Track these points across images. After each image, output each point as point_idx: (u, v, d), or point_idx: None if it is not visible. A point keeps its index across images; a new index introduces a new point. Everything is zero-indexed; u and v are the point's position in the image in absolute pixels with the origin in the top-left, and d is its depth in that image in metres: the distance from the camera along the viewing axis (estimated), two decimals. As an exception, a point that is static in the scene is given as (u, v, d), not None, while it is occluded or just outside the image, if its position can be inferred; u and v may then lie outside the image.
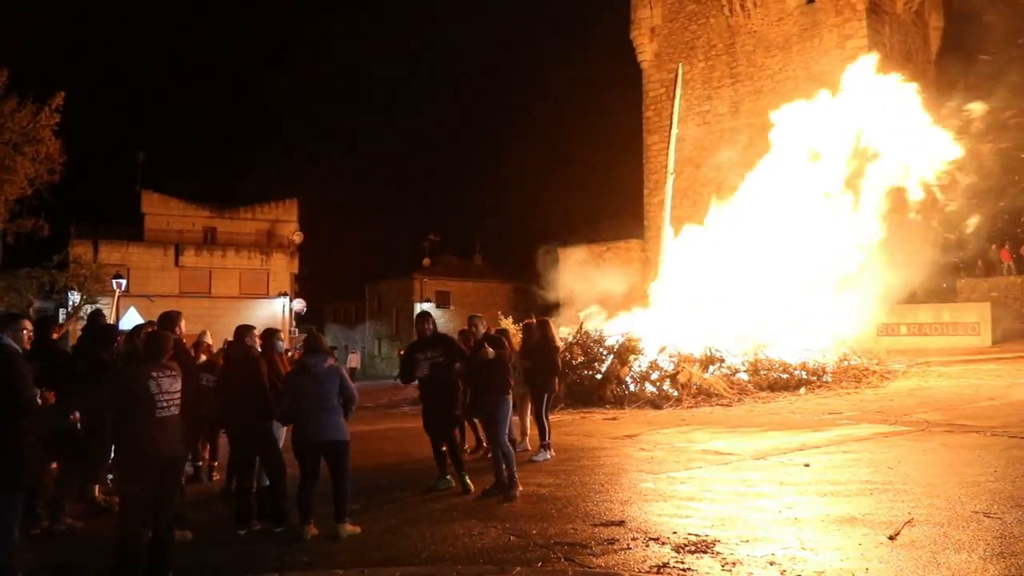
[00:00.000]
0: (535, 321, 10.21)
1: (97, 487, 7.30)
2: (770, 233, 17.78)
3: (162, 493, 5.01)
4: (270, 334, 7.20)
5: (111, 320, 18.34)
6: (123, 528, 4.94)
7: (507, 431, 7.41)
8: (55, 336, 7.10)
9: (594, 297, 18.86)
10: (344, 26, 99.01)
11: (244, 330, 6.93)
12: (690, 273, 19.00)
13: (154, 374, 5.06)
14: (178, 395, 5.12)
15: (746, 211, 18.61)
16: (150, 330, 6.34)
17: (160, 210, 40.82)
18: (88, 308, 27.58)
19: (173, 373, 5.15)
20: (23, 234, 24.23)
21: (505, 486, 7.02)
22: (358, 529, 6.02)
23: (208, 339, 8.85)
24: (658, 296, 19.18)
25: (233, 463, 7.15)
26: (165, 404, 5.02)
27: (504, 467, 7.08)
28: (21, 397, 4.65)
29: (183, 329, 7.16)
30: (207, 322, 21.22)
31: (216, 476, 8.87)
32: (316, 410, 6.10)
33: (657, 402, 13.91)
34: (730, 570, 4.73)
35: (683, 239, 20.23)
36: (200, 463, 8.92)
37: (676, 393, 14.18)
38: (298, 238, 41.80)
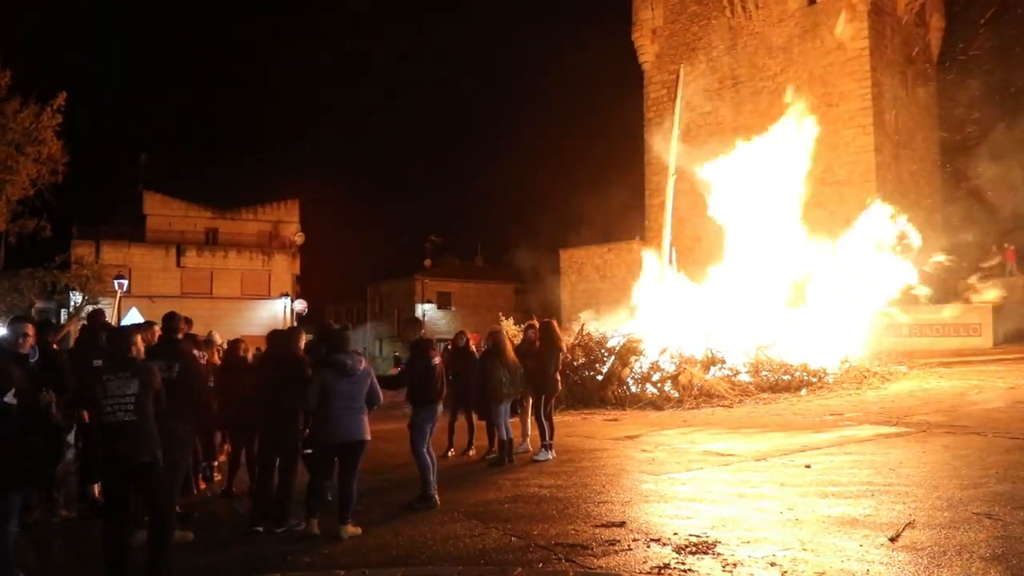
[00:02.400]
0: (537, 322, 10.22)
1: (97, 486, 7.30)
2: (771, 234, 17.80)
3: (143, 498, 5.01)
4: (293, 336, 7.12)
5: (112, 320, 18.34)
6: (103, 527, 4.99)
7: (428, 442, 7.18)
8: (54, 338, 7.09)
9: (595, 298, 18.84)
10: (345, 26, 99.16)
11: (297, 335, 6.89)
12: (691, 272, 19.01)
13: (104, 376, 4.95)
14: (129, 399, 4.85)
15: (748, 212, 18.62)
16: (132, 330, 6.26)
17: (162, 211, 40.87)
18: (89, 308, 27.64)
19: (127, 375, 4.93)
20: (25, 235, 24.29)
21: (428, 496, 6.90)
22: (359, 530, 6.02)
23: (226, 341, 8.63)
24: (659, 297, 19.16)
25: (261, 463, 6.93)
26: (110, 409, 4.83)
27: (424, 476, 6.95)
28: None
29: (185, 330, 7.14)
30: (208, 323, 21.24)
31: (217, 476, 8.87)
32: (345, 411, 6.07)
33: (658, 403, 13.91)
34: (731, 571, 4.73)
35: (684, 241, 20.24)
36: (215, 463, 8.92)
37: (677, 394, 14.18)
38: (300, 239, 41.80)
